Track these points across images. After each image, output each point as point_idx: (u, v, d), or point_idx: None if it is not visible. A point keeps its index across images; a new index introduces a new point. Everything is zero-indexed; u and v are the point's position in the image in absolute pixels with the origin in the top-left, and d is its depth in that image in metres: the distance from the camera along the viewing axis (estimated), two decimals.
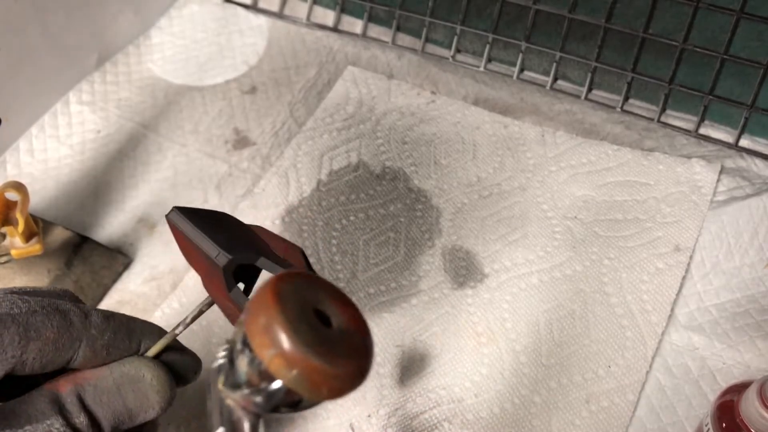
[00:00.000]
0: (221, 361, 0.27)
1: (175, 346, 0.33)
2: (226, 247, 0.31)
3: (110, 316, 0.31)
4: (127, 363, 0.31)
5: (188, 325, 0.32)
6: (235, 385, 0.25)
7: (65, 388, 0.29)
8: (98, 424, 0.29)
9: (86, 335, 0.29)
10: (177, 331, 0.32)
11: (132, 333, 0.31)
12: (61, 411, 0.28)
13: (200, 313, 0.32)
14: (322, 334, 0.24)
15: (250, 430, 0.26)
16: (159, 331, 0.33)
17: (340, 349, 0.24)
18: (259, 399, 0.25)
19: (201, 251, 0.31)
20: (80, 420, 0.28)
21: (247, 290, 0.34)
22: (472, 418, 0.46)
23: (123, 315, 0.32)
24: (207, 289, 0.33)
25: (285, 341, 0.23)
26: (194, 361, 0.34)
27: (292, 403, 0.25)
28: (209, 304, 0.32)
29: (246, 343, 0.25)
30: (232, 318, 0.32)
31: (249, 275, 0.34)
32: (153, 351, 0.32)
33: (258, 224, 0.56)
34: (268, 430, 0.26)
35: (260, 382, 0.25)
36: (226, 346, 0.28)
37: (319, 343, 0.23)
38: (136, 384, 0.30)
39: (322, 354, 0.23)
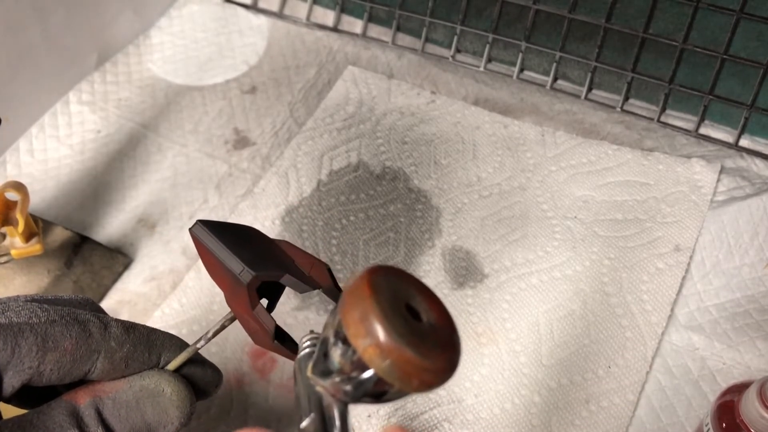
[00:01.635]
0: (308, 349, 0.28)
1: (196, 359, 0.33)
2: (250, 264, 0.30)
3: (131, 327, 0.31)
4: (147, 376, 0.30)
5: (210, 339, 0.32)
6: (325, 373, 0.26)
7: (83, 400, 0.29)
8: None
9: (105, 347, 0.29)
10: (198, 345, 0.32)
11: (152, 346, 0.31)
12: (79, 424, 0.28)
13: (222, 327, 0.32)
14: (414, 326, 0.24)
15: (339, 417, 0.26)
16: (180, 344, 0.32)
17: (431, 343, 0.24)
18: (348, 387, 0.25)
19: (225, 267, 0.31)
20: None
21: (271, 306, 0.33)
22: (471, 418, 0.46)
23: (144, 327, 0.31)
24: (229, 305, 0.32)
25: (380, 332, 0.23)
26: (215, 374, 0.33)
27: (379, 393, 0.25)
28: (231, 320, 0.32)
29: (340, 333, 0.25)
30: (255, 335, 0.32)
31: (272, 291, 0.34)
32: (173, 364, 0.31)
33: (258, 225, 0.56)
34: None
35: (352, 371, 0.25)
36: (311, 335, 0.28)
37: (412, 335, 0.24)
38: (156, 398, 0.30)
39: (415, 346, 0.24)
